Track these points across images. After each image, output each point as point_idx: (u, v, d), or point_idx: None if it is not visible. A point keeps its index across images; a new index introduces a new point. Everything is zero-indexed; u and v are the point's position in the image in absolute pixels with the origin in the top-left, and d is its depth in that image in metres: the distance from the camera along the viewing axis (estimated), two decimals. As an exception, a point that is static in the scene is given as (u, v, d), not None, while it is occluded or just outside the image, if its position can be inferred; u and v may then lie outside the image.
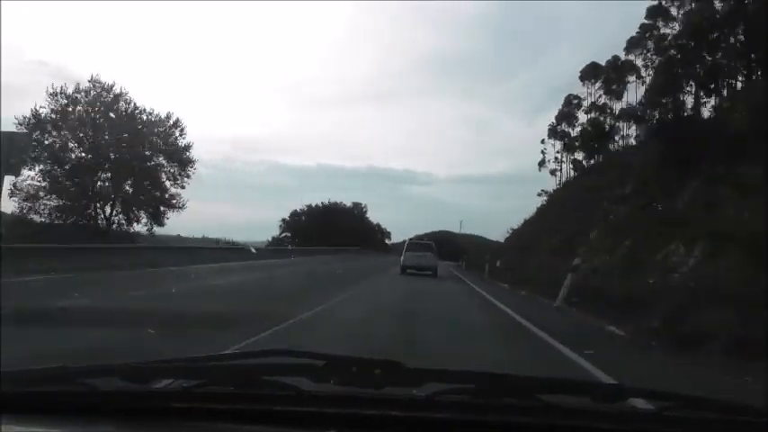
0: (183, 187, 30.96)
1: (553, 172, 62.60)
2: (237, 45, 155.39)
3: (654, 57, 39.40)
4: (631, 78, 47.73)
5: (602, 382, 2.43)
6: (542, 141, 64.70)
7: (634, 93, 46.87)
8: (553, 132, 62.05)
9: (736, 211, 13.31)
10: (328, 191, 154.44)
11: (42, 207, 27.92)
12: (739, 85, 29.36)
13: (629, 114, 42.64)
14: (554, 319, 11.44)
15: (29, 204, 27.49)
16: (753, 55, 26.73)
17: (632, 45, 44.88)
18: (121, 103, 29.45)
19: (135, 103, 29.53)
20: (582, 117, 56.57)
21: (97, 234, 27.24)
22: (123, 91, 29.19)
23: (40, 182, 27.56)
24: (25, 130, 25.37)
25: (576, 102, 58.93)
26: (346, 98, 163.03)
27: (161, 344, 6.12)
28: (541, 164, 63.98)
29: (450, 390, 1.45)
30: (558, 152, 62.45)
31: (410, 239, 32.79)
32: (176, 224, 44.30)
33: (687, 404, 1.45)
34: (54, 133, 28.21)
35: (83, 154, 28.77)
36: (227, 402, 1.48)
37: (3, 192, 14.58)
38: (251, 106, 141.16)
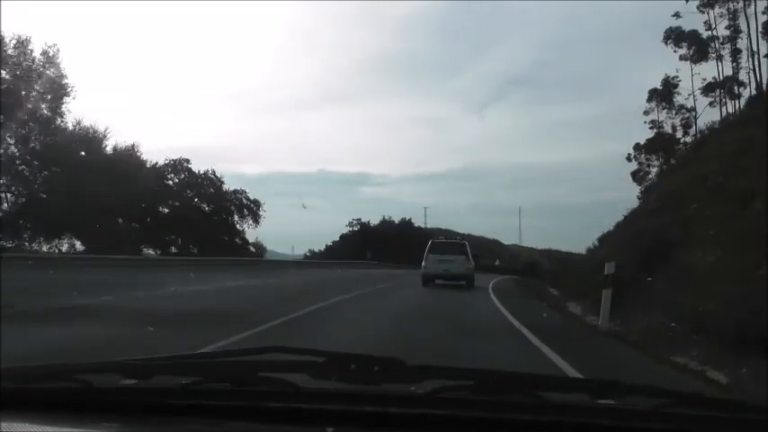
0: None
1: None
2: (182, 55, 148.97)
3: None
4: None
5: (599, 378, 2.50)
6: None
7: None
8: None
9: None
10: (283, 197, 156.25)
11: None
12: None
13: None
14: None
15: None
16: None
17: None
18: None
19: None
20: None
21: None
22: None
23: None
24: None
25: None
26: (296, 103, 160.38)
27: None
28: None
29: (449, 387, 1.45)
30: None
31: (434, 239, 24.10)
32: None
33: (684, 401, 1.46)
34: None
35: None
36: (225, 399, 1.48)
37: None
38: (200, 115, 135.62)
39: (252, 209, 51.45)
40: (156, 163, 45.71)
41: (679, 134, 51.98)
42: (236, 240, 49.88)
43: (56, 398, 1.52)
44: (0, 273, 11.40)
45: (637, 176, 61.86)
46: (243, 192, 51.99)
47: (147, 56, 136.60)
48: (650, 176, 58.91)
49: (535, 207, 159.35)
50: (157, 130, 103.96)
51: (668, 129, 52.97)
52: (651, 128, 52.37)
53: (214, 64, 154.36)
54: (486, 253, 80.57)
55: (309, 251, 70.46)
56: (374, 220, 74.41)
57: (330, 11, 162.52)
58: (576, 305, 15.01)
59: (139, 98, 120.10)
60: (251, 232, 51.81)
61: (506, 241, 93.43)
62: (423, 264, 21.28)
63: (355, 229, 73.86)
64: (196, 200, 48.26)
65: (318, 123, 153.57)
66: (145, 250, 41.66)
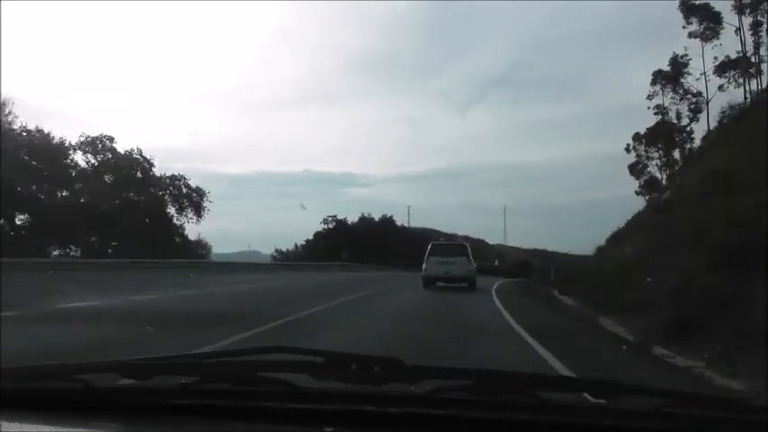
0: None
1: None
2: (163, 53, 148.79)
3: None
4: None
5: (600, 378, 1.76)
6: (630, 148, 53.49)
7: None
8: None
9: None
10: (267, 197, 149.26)
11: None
12: None
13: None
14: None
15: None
16: None
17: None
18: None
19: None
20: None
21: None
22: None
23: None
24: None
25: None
26: (282, 102, 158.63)
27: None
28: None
29: (449, 386, 1.45)
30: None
31: (434, 241, 24.20)
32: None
33: (686, 400, 1.46)
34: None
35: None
36: (224, 399, 1.48)
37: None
38: (181, 115, 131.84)
39: (193, 199, 42.52)
40: (65, 141, 36.84)
41: (684, 121, 47.97)
42: (175, 238, 40.53)
43: (55, 398, 1.53)
44: (0, 274, 11.46)
45: (635, 170, 58.30)
46: (182, 178, 42.24)
47: (129, 54, 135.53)
48: (648, 170, 55.06)
49: (518, 206, 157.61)
50: (137, 129, 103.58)
51: (673, 116, 49.02)
52: (656, 113, 48.52)
53: (196, 63, 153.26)
54: (473, 253, 78.01)
55: (277, 251, 62.57)
56: (354, 218, 68.64)
57: (313, 11, 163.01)
58: (622, 328, 9.69)
59: (122, 96, 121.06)
60: (193, 228, 43.29)
61: (491, 241, 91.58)
62: (423, 266, 20.82)
63: (330, 226, 66.58)
64: (129, 193, 38.23)
65: (303, 123, 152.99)
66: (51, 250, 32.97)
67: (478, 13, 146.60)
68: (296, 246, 65.04)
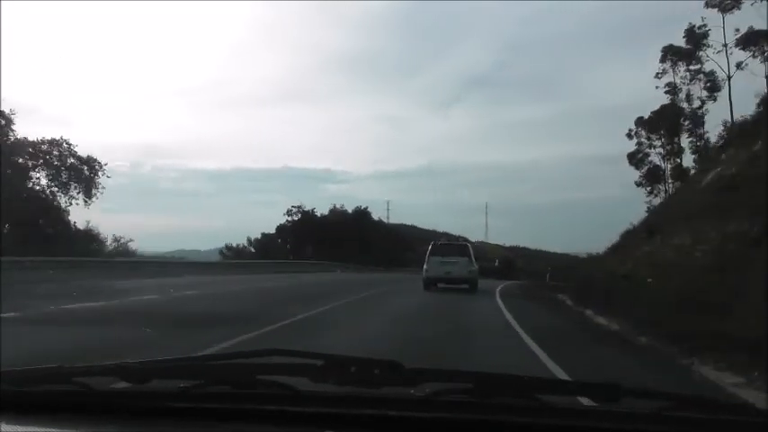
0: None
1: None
2: (143, 47, 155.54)
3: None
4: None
5: (600, 382, 1.61)
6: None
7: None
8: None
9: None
10: (245, 194, 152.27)
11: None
12: None
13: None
14: None
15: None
16: None
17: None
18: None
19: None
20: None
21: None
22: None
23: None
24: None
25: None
26: (261, 99, 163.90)
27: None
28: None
29: (449, 389, 1.45)
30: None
31: (435, 241, 23.01)
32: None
33: (686, 404, 1.45)
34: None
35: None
36: (224, 402, 1.48)
37: None
38: (160, 110, 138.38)
39: (83, 174, 30.34)
40: None
41: (696, 104, 42.46)
42: (49, 229, 28.38)
43: (55, 401, 1.53)
44: (0, 275, 11.76)
45: (634, 159, 53.12)
46: (65, 143, 30.00)
47: (105, 49, 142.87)
48: (650, 159, 49.86)
49: (499, 205, 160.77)
50: (115, 125, 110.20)
51: (682, 98, 43.56)
52: (666, 92, 42.96)
53: (174, 60, 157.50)
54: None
55: (227, 247, 53.03)
56: (325, 211, 60.26)
57: (293, 9, 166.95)
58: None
59: (97, 93, 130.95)
60: (82, 213, 31.87)
61: (473, 238, 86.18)
62: (424, 267, 20.41)
63: (295, 218, 56.68)
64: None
65: (283, 120, 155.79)
66: None
67: (459, 13, 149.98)
68: (249, 240, 55.07)
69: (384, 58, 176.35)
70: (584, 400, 1.46)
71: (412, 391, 1.44)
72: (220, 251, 53.75)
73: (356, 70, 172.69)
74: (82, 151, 30.34)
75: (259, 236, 55.25)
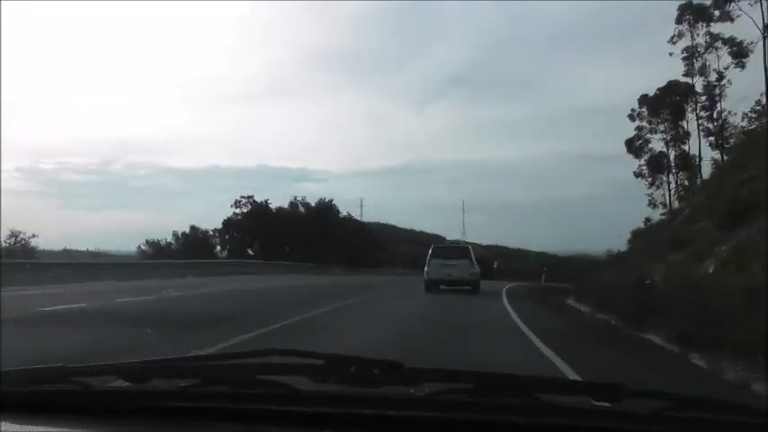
0: None
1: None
2: (114, 42, 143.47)
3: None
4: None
5: (601, 381, 1.62)
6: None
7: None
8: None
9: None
10: (218, 192, 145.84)
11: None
12: None
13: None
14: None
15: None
16: None
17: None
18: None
19: None
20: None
21: None
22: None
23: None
24: None
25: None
26: (236, 96, 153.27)
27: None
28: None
29: (449, 389, 1.44)
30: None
31: (436, 244, 23.62)
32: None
33: (687, 404, 1.43)
34: None
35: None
36: (223, 402, 1.47)
37: None
38: (133, 105, 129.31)
39: None
40: None
41: (713, 77, 36.67)
42: None
43: (54, 400, 1.52)
44: (0, 275, 11.45)
45: (633, 146, 47.66)
46: None
47: (77, 43, 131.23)
48: (650, 146, 44.65)
49: (476, 203, 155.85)
50: (83, 119, 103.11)
51: (695, 70, 37.86)
52: (684, 57, 37.06)
53: (151, 53, 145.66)
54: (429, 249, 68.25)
55: (148, 243, 44.66)
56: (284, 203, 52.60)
57: (272, 5, 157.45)
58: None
59: (69, 86, 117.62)
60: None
61: (450, 236, 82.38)
62: (425, 269, 20.36)
63: (244, 210, 48.31)
64: None
65: (259, 117, 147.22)
66: None
67: (438, 10, 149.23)
68: (175, 236, 46.31)
69: (363, 55, 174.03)
70: (585, 400, 1.42)
71: (412, 391, 1.44)
72: (138, 247, 45.79)
73: (334, 67, 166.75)
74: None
75: (187, 230, 47.49)
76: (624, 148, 43.86)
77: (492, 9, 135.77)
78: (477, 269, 20.74)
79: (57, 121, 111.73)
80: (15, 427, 1.35)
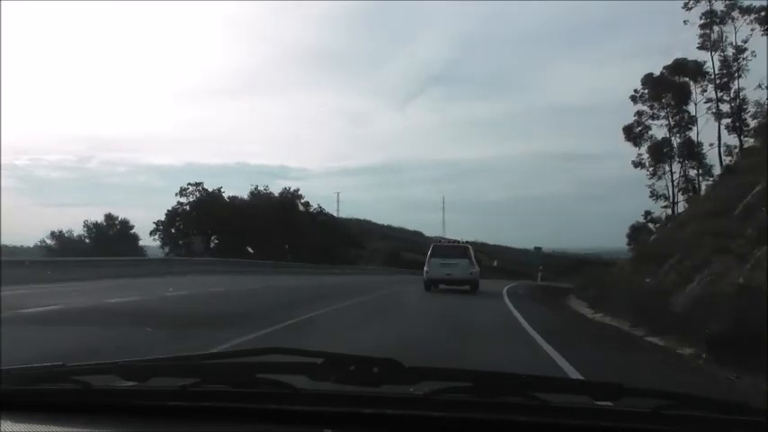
0: None
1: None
2: (92, 37, 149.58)
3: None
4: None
5: (600, 380, 1.75)
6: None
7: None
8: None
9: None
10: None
11: None
12: None
13: None
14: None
15: None
16: None
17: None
18: None
19: None
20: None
21: None
22: None
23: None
24: None
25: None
26: (215, 94, 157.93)
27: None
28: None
29: (448, 388, 1.44)
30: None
31: (435, 243, 23.05)
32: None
33: (685, 403, 1.44)
34: None
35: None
36: (223, 401, 1.47)
37: None
38: (110, 103, 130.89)
39: None
40: None
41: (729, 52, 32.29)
42: None
43: (55, 399, 1.53)
44: (0, 275, 11.37)
45: (631, 134, 43.10)
46: None
47: (53, 37, 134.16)
48: (651, 133, 40.04)
49: (456, 201, 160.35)
50: (61, 115, 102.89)
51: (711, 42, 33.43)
52: (703, 24, 32.51)
53: (128, 49, 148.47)
54: (408, 245, 64.09)
55: (54, 236, 38.67)
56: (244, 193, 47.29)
57: (256, 3, 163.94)
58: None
59: (45, 82, 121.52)
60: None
61: (429, 234, 79.29)
62: (425, 268, 20.39)
63: (191, 199, 41.08)
64: None
65: (238, 114, 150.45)
66: None
67: (418, 9, 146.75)
68: (87, 227, 40.44)
69: (343, 53, 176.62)
70: (585, 399, 1.43)
71: (411, 390, 1.44)
72: (42, 241, 39.94)
73: (314, 65, 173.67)
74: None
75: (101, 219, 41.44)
76: (615, 144, 39.77)
77: (472, 8, 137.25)
78: (476, 269, 20.68)
79: (32, 118, 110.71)
80: (15, 426, 1.36)
